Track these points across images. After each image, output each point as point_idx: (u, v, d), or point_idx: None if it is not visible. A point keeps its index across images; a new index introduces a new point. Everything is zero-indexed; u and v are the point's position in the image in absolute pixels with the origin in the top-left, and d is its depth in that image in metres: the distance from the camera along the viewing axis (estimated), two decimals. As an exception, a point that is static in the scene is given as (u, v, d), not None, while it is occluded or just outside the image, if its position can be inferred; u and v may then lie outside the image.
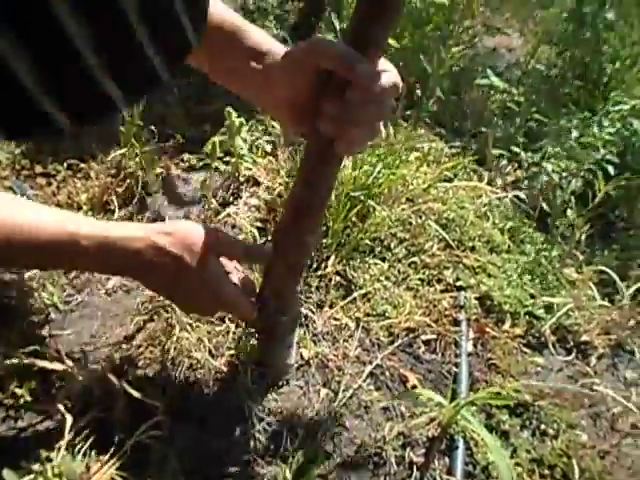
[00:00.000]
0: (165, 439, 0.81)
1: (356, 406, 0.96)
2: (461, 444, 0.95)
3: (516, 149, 1.49)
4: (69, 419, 0.77)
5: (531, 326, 1.18)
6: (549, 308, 1.21)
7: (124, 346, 0.93)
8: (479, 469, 0.94)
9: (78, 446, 0.78)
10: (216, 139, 1.08)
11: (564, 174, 1.34)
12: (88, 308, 1.02)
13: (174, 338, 0.94)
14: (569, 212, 1.39)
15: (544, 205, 1.43)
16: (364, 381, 0.99)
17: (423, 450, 0.94)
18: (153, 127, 1.27)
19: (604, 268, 1.27)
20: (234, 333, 0.98)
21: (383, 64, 0.59)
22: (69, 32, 0.25)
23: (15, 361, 0.84)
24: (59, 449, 0.75)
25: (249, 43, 0.64)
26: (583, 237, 1.32)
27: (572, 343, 1.20)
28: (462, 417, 0.93)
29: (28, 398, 0.85)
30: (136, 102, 0.40)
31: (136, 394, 0.82)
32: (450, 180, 1.33)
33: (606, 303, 1.23)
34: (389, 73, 0.59)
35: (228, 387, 0.91)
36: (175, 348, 0.93)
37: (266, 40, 0.65)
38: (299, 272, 0.82)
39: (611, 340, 1.22)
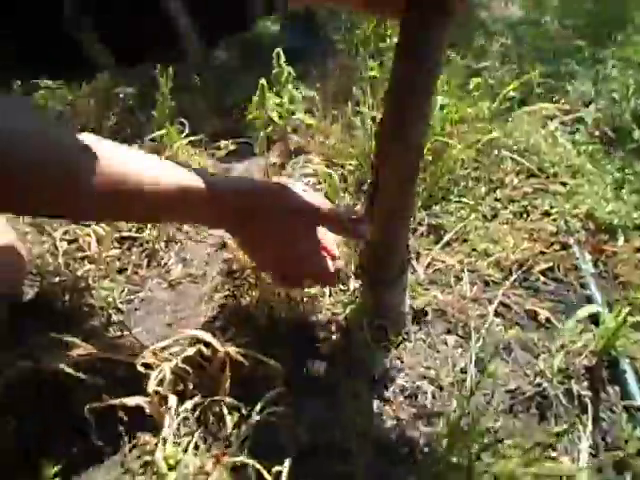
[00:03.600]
0: (290, 415, 0.65)
1: (493, 348, 0.80)
2: (627, 366, 0.79)
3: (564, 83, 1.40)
4: (173, 400, 0.61)
5: (646, 240, 1.03)
6: (658, 220, 1.07)
7: (210, 325, 0.78)
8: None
9: (185, 440, 0.62)
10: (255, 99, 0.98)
11: (625, 84, 1.23)
12: (154, 304, 0.87)
13: (266, 310, 0.79)
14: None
15: (607, 130, 1.32)
16: (492, 322, 0.84)
17: (585, 383, 0.78)
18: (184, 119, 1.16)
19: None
20: (333, 295, 0.83)
21: None
22: None
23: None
24: (164, 442, 0.59)
25: None
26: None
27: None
28: (623, 335, 0.79)
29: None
30: (212, 48, 0.34)
31: (245, 362, 0.66)
32: (511, 109, 1.21)
33: None
34: None
35: (345, 349, 0.76)
36: (271, 318, 0.78)
37: None
38: (411, 189, 0.69)
39: None
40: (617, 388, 0.78)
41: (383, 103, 0.66)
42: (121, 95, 1.33)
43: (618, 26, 1.48)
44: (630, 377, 0.78)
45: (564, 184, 1.11)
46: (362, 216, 0.70)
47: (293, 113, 1.02)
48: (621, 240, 1.02)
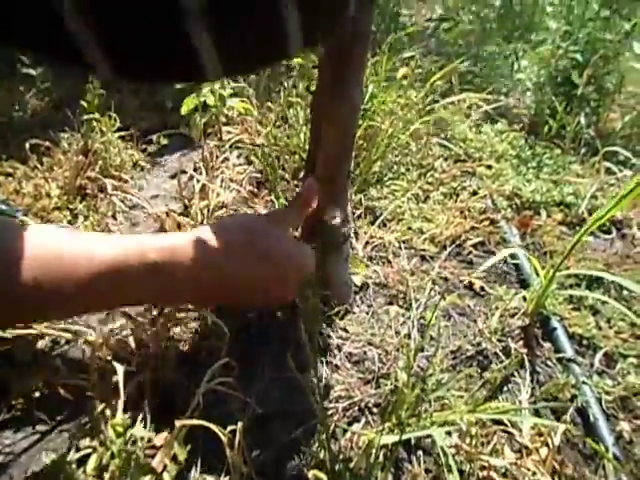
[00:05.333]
0: (237, 385, 0.64)
1: (433, 315, 0.83)
2: (557, 323, 0.84)
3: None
4: (117, 376, 0.59)
5: (565, 214, 1.11)
6: (574, 196, 1.15)
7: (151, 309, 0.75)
8: (584, 345, 0.83)
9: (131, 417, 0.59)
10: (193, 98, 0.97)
11: (539, 78, 1.33)
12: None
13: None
14: (558, 115, 1.37)
15: (525, 119, 1.41)
16: (430, 292, 0.86)
17: (521, 342, 0.82)
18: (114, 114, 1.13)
19: (616, 148, 1.24)
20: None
21: None
22: None
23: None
24: (113, 416, 0.57)
25: None
26: (576, 125, 1.30)
27: (607, 223, 1.14)
28: (552, 295, 0.84)
29: (45, 391, 0.65)
30: (236, 75, 0.29)
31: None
32: (437, 101, 1.27)
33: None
34: None
35: (290, 320, 0.76)
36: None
37: None
38: (350, 146, 0.71)
39: (642, 214, 1.17)
40: (549, 344, 0.83)
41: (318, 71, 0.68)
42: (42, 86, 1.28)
43: (529, 27, 1.61)
44: (560, 333, 0.83)
45: (489, 167, 1.18)
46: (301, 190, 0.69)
47: (224, 103, 1.01)
48: (544, 215, 1.09)
